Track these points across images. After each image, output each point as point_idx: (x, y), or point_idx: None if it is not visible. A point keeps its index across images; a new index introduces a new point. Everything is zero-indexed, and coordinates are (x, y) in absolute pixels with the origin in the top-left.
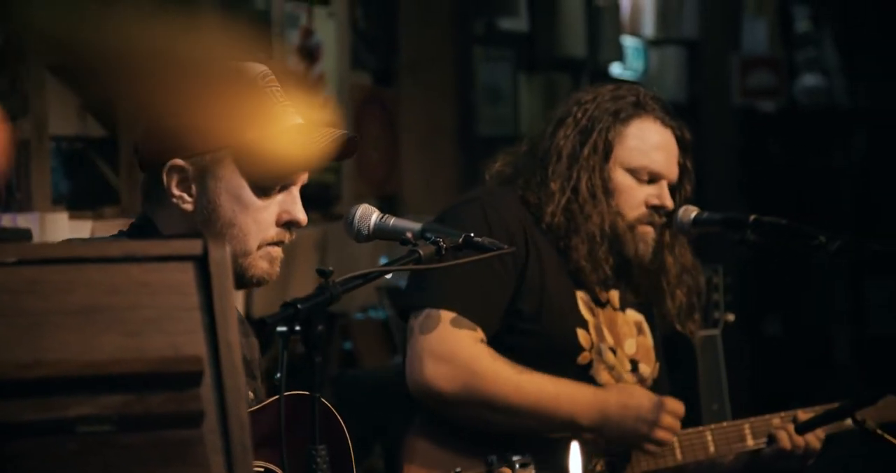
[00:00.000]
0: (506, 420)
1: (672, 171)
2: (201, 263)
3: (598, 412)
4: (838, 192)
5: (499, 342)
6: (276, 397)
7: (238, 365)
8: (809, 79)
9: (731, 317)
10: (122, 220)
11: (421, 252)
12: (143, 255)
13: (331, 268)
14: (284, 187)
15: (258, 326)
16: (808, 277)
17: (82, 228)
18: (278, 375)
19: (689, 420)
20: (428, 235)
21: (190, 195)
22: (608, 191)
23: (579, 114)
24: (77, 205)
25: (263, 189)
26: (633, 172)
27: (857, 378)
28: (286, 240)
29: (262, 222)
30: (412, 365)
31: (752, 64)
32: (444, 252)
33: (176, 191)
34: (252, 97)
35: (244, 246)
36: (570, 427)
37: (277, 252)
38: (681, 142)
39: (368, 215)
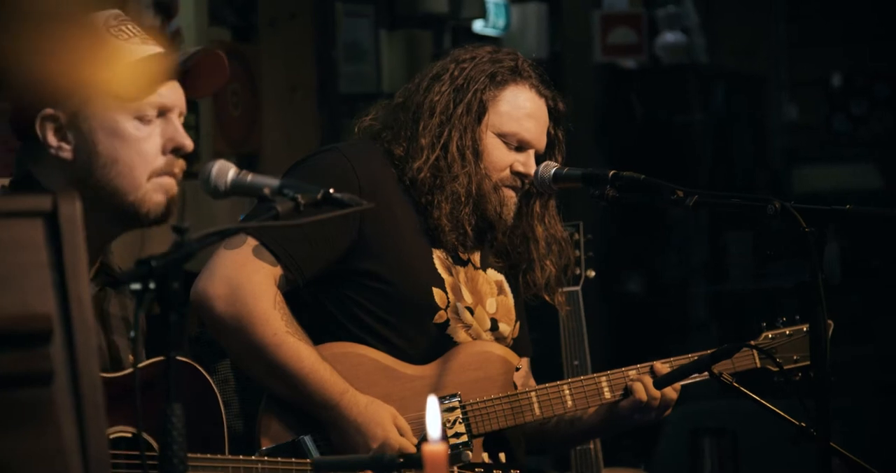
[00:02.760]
0: (254, 369)
1: (541, 141)
2: (51, 219)
3: (335, 412)
4: (697, 148)
5: (354, 303)
6: (153, 360)
7: (90, 322)
8: (670, 37)
9: (591, 274)
10: None
11: (278, 208)
12: None
13: (187, 225)
14: (161, 114)
15: (113, 283)
16: (668, 233)
17: None
18: (132, 334)
19: (550, 375)
20: (286, 191)
21: (67, 142)
22: (477, 152)
23: (456, 73)
24: None
25: (139, 118)
26: (502, 137)
27: (713, 333)
28: (177, 171)
29: (147, 153)
30: (201, 275)
31: (613, 21)
32: (301, 208)
33: (53, 142)
34: (106, 35)
35: (132, 181)
36: (307, 407)
37: (171, 183)
38: (553, 112)
39: (225, 171)
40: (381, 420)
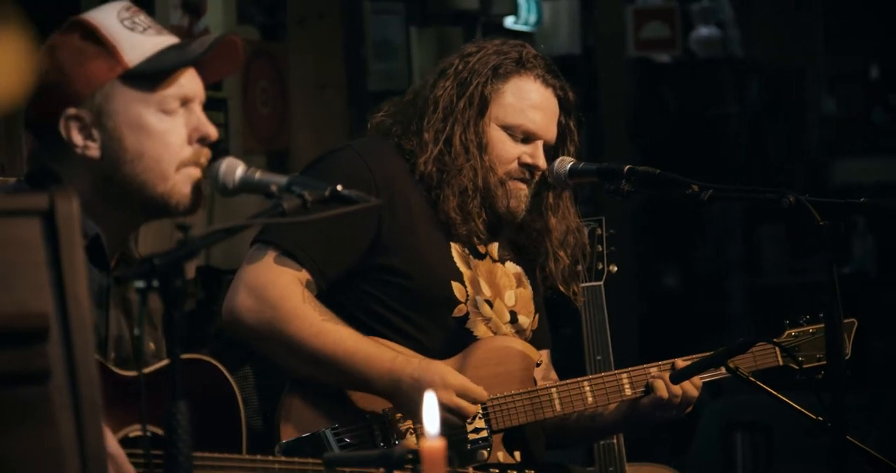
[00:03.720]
0: (302, 366)
1: (549, 131)
2: (48, 218)
3: (389, 379)
4: (732, 142)
5: (372, 298)
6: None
7: (87, 321)
8: (704, 31)
9: (614, 269)
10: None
11: (285, 205)
12: None
13: (189, 223)
14: (184, 104)
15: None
16: (704, 227)
17: None
18: (137, 332)
19: (573, 371)
20: (294, 188)
21: (93, 140)
22: (481, 145)
23: (460, 67)
24: None
25: (163, 110)
26: (507, 129)
27: (750, 328)
28: (203, 161)
29: (172, 144)
30: (228, 293)
31: (646, 15)
32: (309, 205)
33: (79, 141)
34: (119, 28)
35: (160, 173)
36: (362, 387)
37: (198, 174)
38: (563, 102)
39: (234, 168)
40: (437, 369)
